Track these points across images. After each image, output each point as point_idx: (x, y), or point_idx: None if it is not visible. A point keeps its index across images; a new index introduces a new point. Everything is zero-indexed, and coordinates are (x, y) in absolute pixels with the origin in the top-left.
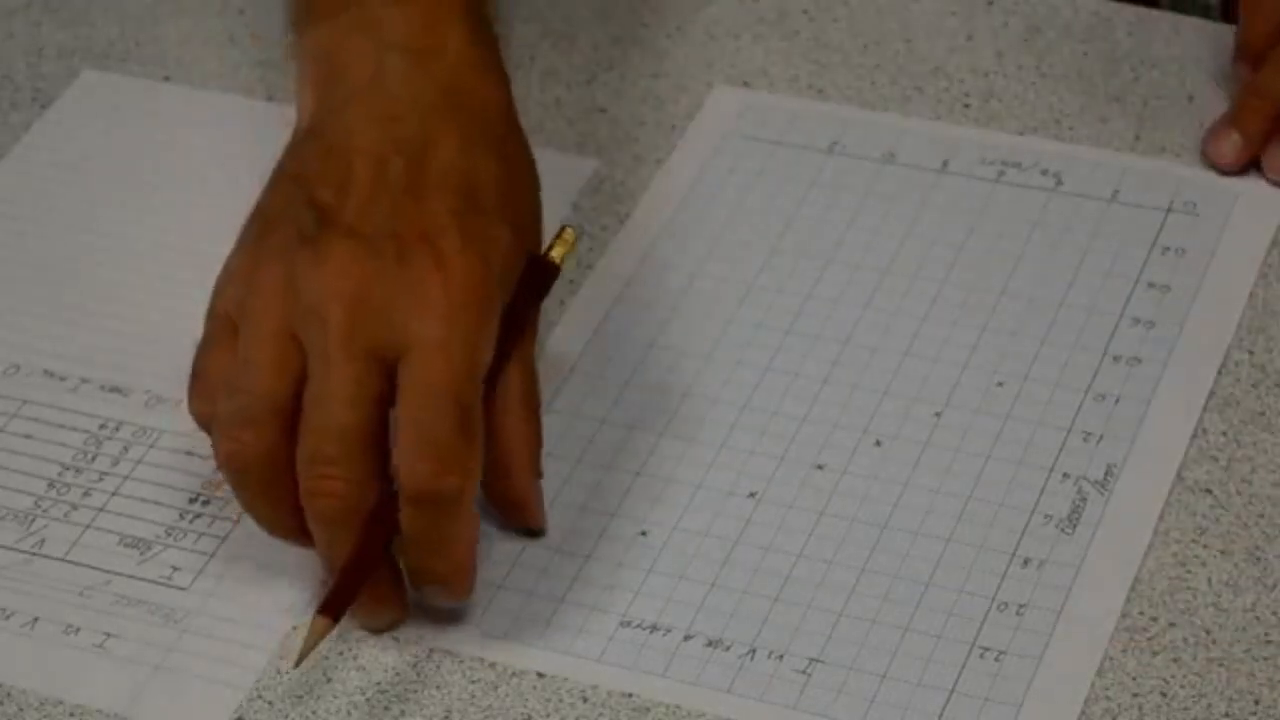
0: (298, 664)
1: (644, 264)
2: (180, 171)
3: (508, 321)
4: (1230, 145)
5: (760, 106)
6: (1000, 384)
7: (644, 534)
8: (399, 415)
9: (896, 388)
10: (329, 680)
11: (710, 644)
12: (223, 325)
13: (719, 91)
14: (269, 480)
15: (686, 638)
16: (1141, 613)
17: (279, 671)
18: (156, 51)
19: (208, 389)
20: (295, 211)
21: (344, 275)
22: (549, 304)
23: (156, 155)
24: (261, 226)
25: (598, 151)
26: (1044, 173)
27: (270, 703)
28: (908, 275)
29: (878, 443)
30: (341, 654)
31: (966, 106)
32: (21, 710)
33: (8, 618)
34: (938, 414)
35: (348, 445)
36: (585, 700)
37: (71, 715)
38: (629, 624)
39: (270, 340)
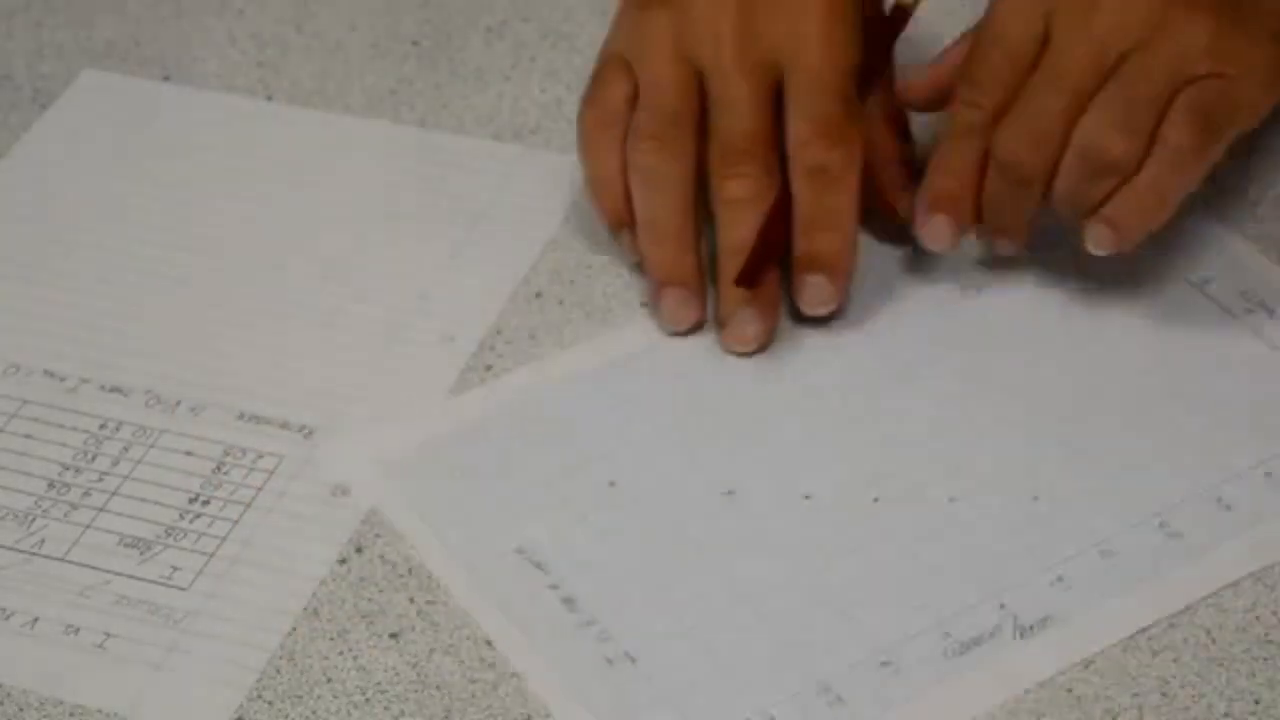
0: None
1: None
2: (180, 171)
3: (866, 65)
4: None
5: None
6: None
7: None
8: (789, 108)
9: None
10: (329, 680)
11: None
12: (615, 63)
13: None
14: (677, 180)
15: None
16: None
17: (279, 671)
18: (156, 51)
19: (605, 114)
20: None
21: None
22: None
23: (156, 155)
24: None
25: None
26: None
27: (270, 703)
28: None
29: None
30: (341, 654)
31: None
32: (21, 710)
33: (8, 618)
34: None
35: (753, 142)
36: None
37: (71, 715)
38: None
39: (670, 64)
